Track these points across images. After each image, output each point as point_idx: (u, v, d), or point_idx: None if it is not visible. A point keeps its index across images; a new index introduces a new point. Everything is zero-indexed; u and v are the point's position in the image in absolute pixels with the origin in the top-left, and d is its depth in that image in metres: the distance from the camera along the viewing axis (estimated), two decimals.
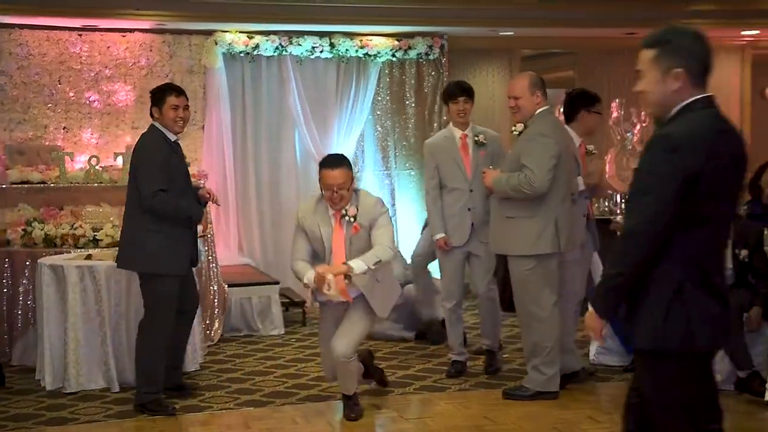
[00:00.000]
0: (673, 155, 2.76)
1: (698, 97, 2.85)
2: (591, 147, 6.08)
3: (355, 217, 4.93)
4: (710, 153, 2.79)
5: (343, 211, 4.94)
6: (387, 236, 4.93)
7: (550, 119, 5.50)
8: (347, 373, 5.12)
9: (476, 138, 5.98)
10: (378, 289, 5.06)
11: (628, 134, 9.69)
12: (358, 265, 4.78)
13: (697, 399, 2.96)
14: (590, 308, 3.00)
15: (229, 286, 7.46)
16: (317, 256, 5.05)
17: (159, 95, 5.44)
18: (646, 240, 2.81)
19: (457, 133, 6.01)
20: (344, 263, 4.82)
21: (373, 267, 4.80)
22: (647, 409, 3.03)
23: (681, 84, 2.83)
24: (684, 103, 2.85)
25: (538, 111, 5.41)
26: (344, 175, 4.88)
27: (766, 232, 5.83)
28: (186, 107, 5.47)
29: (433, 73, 9.55)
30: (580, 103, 5.87)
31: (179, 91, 5.47)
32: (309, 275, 4.87)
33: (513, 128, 5.56)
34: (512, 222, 5.38)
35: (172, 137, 5.45)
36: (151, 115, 5.49)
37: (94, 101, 8.74)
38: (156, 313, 5.37)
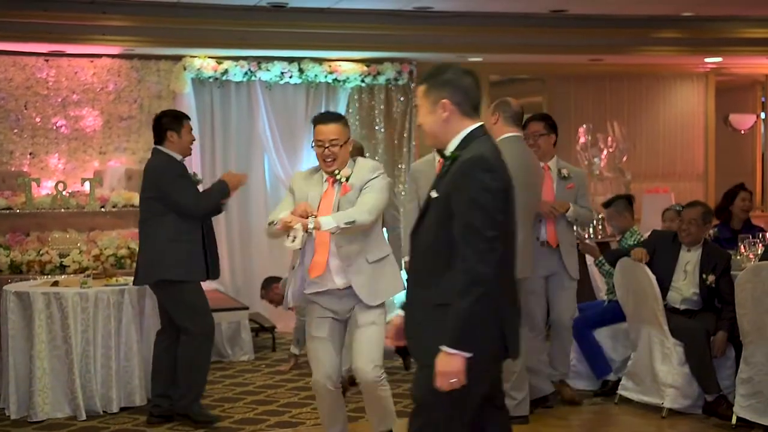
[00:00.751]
0: (493, 173, 3.02)
1: (476, 126, 3.15)
2: (564, 171, 5.94)
3: (348, 178, 4.47)
4: (507, 172, 3.13)
5: (336, 172, 4.46)
6: (372, 200, 4.40)
7: (507, 147, 5.41)
8: (381, 401, 4.59)
9: None
10: (367, 270, 4.47)
11: (595, 159, 9.81)
12: (326, 220, 4.24)
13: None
14: (448, 350, 2.94)
15: None
16: None
17: (176, 121, 5.60)
18: (494, 256, 2.97)
19: (438, 157, 5.97)
20: (314, 216, 4.27)
21: (343, 225, 4.24)
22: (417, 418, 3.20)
23: (449, 113, 3.13)
24: (466, 131, 3.14)
25: (500, 138, 5.36)
26: (337, 131, 4.46)
27: (735, 257, 5.88)
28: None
29: (401, 98, 9.60)
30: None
31: (189, 117, 5.74)
32: (279, 216, 4.30)
33: None
34: None
35: (179, 158, 5.60)
36: (162, 140, 5.56)
37: (61, 126, 8.69)
38: (196, 321, 5.51)
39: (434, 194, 3.17)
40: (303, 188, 4.53)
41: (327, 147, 4.43)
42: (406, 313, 3.24)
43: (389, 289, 4.60)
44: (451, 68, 3.20)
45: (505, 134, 5.38)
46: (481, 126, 3.17)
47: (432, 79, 3.17)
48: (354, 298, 4.47)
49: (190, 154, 5.74)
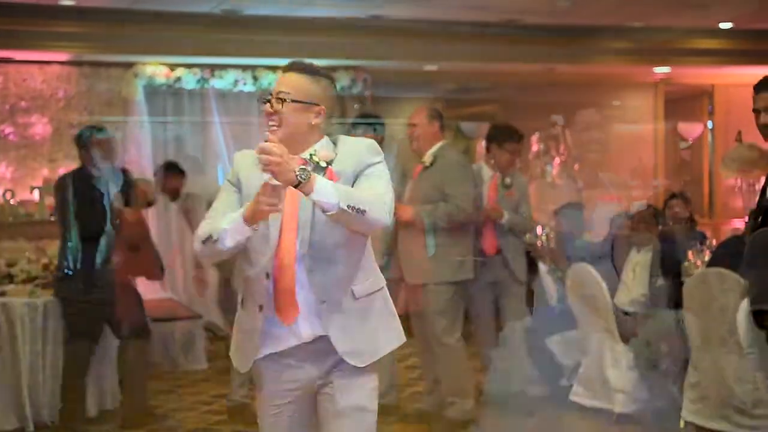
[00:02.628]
0: None
1: None
2: (507, 180, 6.01)
3: (329, 162, 2.77)
4: None
5: (307, 154, 2.74)
6: (385, 191, 2.76)
7: (451, 152, 5.64)
8: None
9: None
10: (351, 310, 2.81)
11: (547, 167, 9.92)
12: (322, 185, 2.58)
13: None
14: None
15: (151, 320, 7.31)
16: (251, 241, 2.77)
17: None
18: None
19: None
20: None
21: (346, 207, 2.57)
22: None
23: None
24: None
25: (442, 143, 5.52)
26: (300, 81, 2.95)
27: (682, 264, 5.96)
28: None
29: (356, 106, 9.60)
30: (493, 137, 6.03)
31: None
32: (223, 225, 2.73)
33: (422, 160, 5.54)
34: (436, 250, 5.37)
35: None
36: None
37: (9, 134, 8.57)
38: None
39: None
40: (253, 178, 2.78)
41: (275, 98, 2.85)
42: None
43: (382, 339, 2.90)
44: None
45: (444, 140, 5.59)
46: None
47: None
48: (326, 358, 2.83)
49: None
